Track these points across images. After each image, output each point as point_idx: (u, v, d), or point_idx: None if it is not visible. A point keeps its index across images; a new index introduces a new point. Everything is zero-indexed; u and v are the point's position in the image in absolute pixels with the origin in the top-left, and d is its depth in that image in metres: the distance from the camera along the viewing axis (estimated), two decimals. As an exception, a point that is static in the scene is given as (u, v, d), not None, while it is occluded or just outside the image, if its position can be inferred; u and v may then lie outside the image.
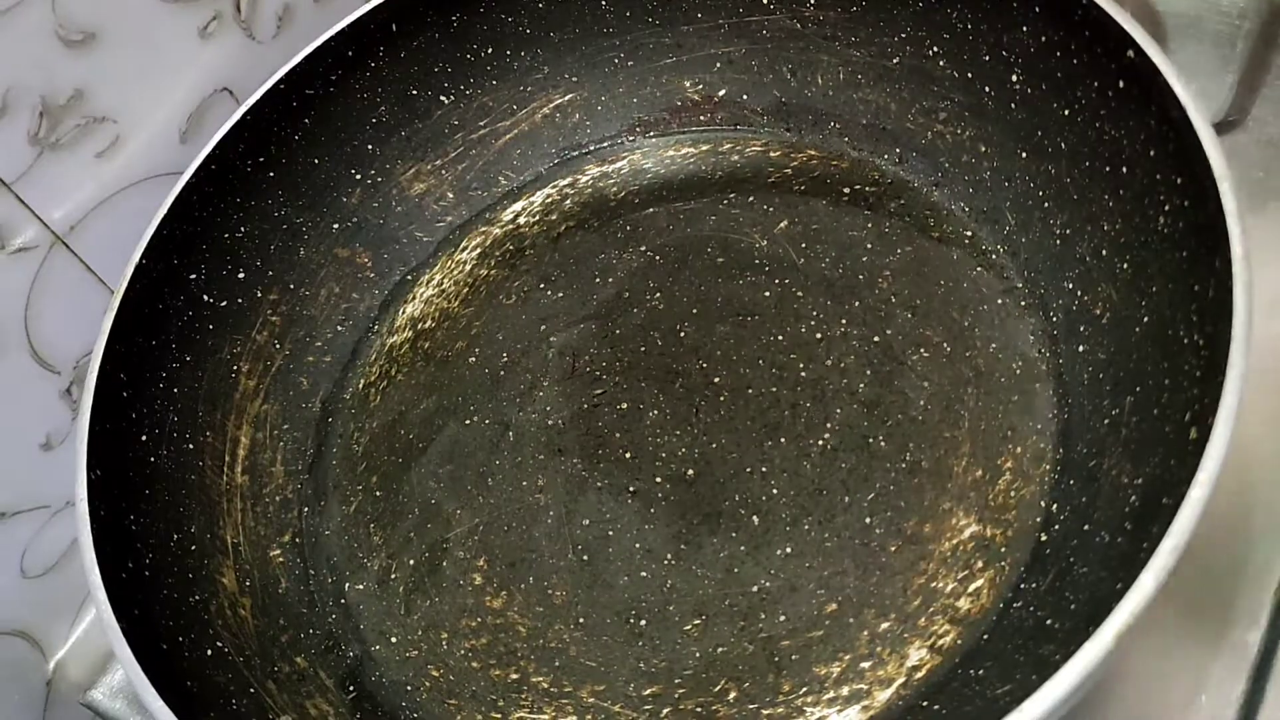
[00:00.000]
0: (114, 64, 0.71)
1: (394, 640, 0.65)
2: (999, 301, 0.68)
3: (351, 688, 0.64)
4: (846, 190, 0.77)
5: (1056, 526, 0.58)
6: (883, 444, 0.65)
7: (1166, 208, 0.56)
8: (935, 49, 0.73)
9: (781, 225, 0.76)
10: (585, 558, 0.65)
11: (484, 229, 0.84)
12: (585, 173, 0.85)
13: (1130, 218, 0.60)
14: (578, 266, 0.80)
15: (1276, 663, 0.59)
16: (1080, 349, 0.62)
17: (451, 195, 0.85)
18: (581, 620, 0.63)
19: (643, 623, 0.62)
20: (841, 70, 0.79)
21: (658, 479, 0.67)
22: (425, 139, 0.84)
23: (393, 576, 0.68)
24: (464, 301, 0.80)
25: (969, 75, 0.71)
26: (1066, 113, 0.64)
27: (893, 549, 0.61)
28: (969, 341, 0.67)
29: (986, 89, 0.70)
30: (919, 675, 0.56)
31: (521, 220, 0.84)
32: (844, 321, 0.70)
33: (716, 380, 0.70)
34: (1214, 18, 0.77)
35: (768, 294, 0.73)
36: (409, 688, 0.63)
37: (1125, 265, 0.60)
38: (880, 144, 0.78)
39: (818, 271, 0.71)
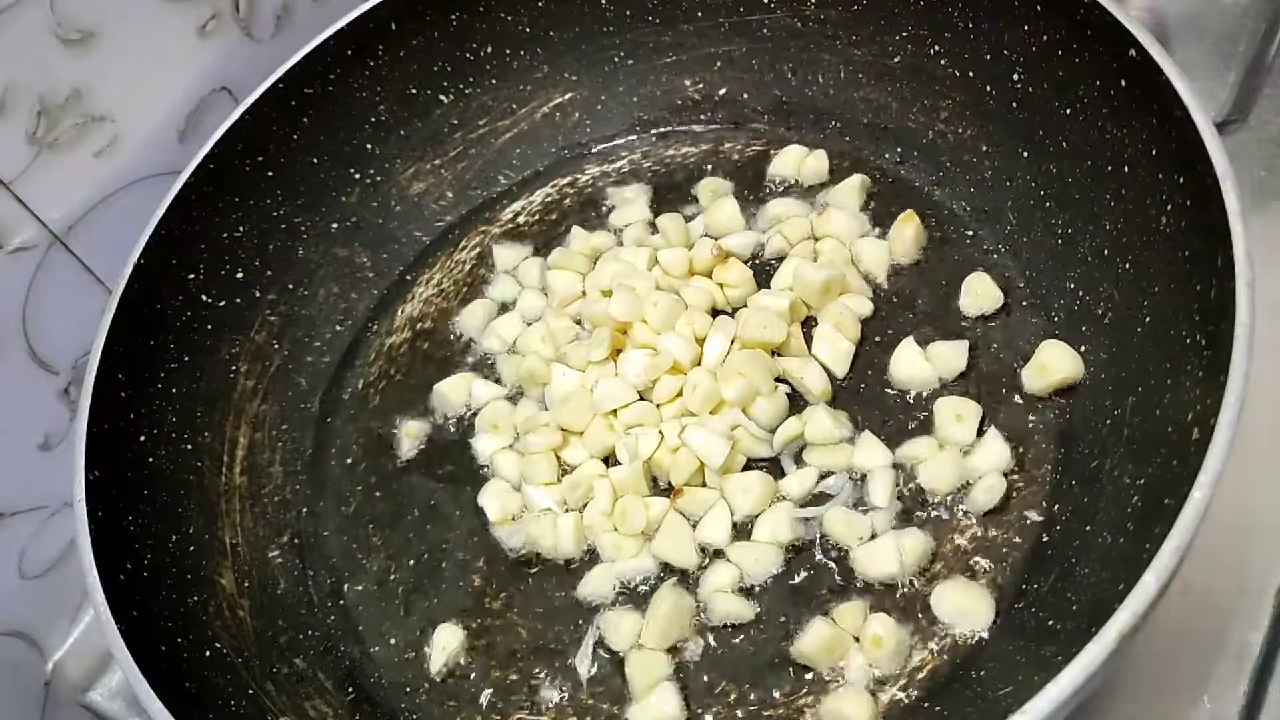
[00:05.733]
0: (112, 63, 0.71)
1: (393, 641, 0.65)
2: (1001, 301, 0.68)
3: (350, 689, 0.64)
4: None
5: (1058, 527, 0.58)
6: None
7: (1168, 207, 0.56)
8: (937, 48, 0.73)
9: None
10: (588, 558, 0.65)
11: (483, 228, 0.84)
12: (585, 172, 0.85)
13: (1132, 217, 0.60)
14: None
15: (1278, 664, 0.59)
16: (1082, 349, 0.62)
17: (451, 194, 0.85)
18: (581, 621, 0.63)
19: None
20: (842, 69, 0.79)
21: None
22: (424, 138, 0.84)
23: (392, 577, 0.68)
24: (463, 301, 0.80)
25: (970, 74, 0.71)
26: (1068, 111, 0.64)
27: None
28: (971, 341, 0.66)
29: (988, 88, 0.70)
30: (921, 676, 0.56)
31: (521, 219, 0.84)
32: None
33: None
34: (1216, 16, 0.77)
35: (768, 293, 0.73)
36: (408, 689, 0.63)
37: (1127, 265, 0.60)
38: (881, 143, 0.78)
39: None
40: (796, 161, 0.79)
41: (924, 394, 0.66)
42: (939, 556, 0.59)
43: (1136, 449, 0.55)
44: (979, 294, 0.67)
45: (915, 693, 0.56)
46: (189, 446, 0.70)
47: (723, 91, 0.84)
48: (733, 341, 0.68)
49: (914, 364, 0.66)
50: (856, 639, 0.57)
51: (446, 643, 0.63)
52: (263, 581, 0.68)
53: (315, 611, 0.68)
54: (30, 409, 0.71)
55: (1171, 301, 0.55)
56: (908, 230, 0.71)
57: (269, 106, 0.75)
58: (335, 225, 0.81)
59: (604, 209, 0.82)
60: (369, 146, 0.82)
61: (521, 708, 0.61)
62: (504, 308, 0.79)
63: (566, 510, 0.65)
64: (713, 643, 0.60)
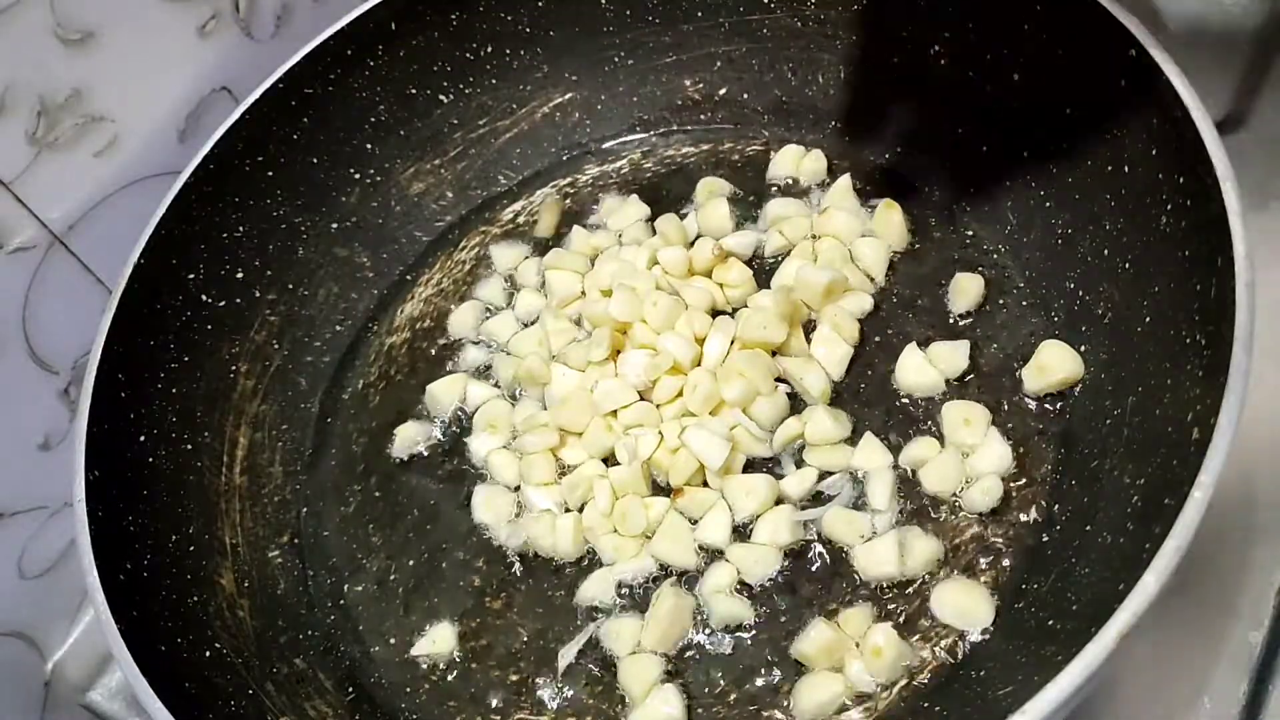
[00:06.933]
0: (112, 63, 0.71)
1: (393, 641, 0.65)
2: (1000, 301, 0.68)
3: (350, 689, 0.64)
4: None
5: (1058, 527, 0.58)
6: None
7: (1168, 207, 0.56)
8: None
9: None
10: (588, 559, 0.65)
11: (483, 228, 0.84)
12: (585, 172, 0.85)
13: (1132, 217, 0.60)
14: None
15: (1278, 664, 0.59)
16: (1082, 349, 0.62)
17: (450, 194, 0.85)
18: (581, 621, 0.63)
19: (643, 624, 0.62)
20: (842, 69, 0.79)
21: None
22: (424, 138, 0.84)
23: (392, 577, 0.68)
24: (462, 301, 0.80)
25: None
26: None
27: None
28: (971, 341, 0.66)
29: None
30: (921, 676, 0.56)
31: (521, 220, 0.84)
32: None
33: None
34: (1216, 17, 0.77)
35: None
36: (408, 689, 0.63)
37: (1127, 265, 0.60)
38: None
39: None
40: (795, 161, 0.79)
41: (924, 395, 0.66)
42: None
43: (1136, 449, 0.55)
44: (964, 291, 0.68)
45: (915, 693, 0.56)
46: (189, 446, 0.70)
47: (723, 91, 0.84)
48: (733, 341, 0.68)
49: (920, 370, 0.65)
50: (857, 644, 0.57)
51: (438, 639, 0.63)
52: (263, 581, 0.68)
53: (315, 611, 0.68)
54: (30, 409, 0.71)
55: (1171, 301, 0.55)
56: (893, 216, 0.72)
57: (269, 106, 0.75)
58: (335, 225, 0.81)
59: (604, 210, 0.82)
60: (369, 146, 0.82)
61: (521, 708, 0.61)
62: (497, 309, 0.78)
63: (566, 511, 0.65)
64: (713, 643, 0.60)
